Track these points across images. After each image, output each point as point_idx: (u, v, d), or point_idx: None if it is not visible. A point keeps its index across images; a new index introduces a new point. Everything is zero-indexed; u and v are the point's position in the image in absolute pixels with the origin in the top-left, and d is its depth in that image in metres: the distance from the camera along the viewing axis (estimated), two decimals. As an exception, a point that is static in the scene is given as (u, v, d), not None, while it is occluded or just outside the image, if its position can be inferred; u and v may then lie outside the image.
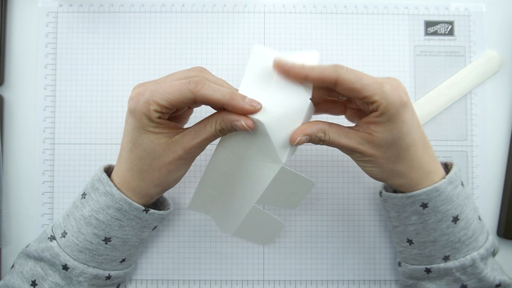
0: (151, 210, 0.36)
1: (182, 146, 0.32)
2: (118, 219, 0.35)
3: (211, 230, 0.44)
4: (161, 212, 0.37)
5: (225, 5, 0.45)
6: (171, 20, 0.45)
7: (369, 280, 0.44)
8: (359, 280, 0.44)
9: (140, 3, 0.45)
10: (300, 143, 0.32)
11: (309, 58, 0.33)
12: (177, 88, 0.31)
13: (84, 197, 0.35)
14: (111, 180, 0.35)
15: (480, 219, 0.36)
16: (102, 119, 0.44)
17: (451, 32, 0.45)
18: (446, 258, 0.35)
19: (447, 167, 0.37)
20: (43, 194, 0.44)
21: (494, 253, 0.36)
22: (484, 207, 0.44)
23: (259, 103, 0.31)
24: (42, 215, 0.44)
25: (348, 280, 0.44)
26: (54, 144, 0.44)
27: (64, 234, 0.35)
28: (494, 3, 0.45)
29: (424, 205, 0.34)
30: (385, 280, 0.44)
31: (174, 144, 0.32)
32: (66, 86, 0.44)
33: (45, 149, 0.44)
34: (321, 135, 0.32)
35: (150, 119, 0.31)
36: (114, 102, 0.44)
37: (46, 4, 0.45)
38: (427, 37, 0.45)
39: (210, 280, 0.44)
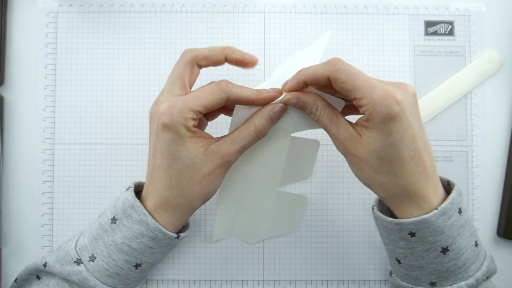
0: (181, 235, 0.36)
1: (220, 155, 0.33)
2: (151, 247, 0.34)
3: (211, 230, 0.44)
4: (186, 233, 0.37)
5: (225, 5, 0.45)
6: (171, 20, 0.45)
7: (369, 280, 0.44)
8: (359, 280, 0.44)
9: (140, 3, 0.45)
10: (288, 102, 0.33)
11: (321, 42, 0.36)
12: (209, 92, 0.32)
13: (115, 222, 0.35)
14: (144, 204, 0.34)
15: (477, 245, 0.34)
16: (102, 119, 0.44)
17: (451, 32, 0.45)
18: (432, 284, 0.34)
19: (449, 185, 0.35)
20: (43, 194, 0.44)
21: (489, 277, 0.35)
22: (484, 207, 0.44)
23: (278, 89, 0.34)
24: (42, 215, 0.44)
25: (348, 280, 0.44)
26: (54, 144, 0.44)
27: (92, 259, 0.34)
28: (494, 3, 0.45)
29: (412, 234, 0.32)
30: (385, 280, 0.44)
31: (211, 154, 0.33)
32: (66, 86, 0.44)
33: (45, 149, 0.44)
34: (313, 107, 0.33)
35: (187, 128, 0.32)
36: (114, 102, 0.44)
37: (46, 4, 0.45)
38: (427, 37, 0.45)
39: (210, 280, 0.44)
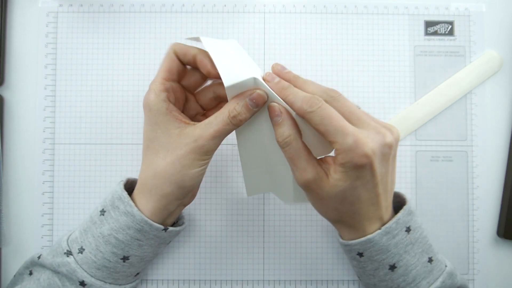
0: (170, 228, 0.36)
1: (194, 138, 0.32)
2: (138, 239, 0.34)
3: (211, 230, 0.44)
4: (177, 228, 0.37)
5: (225, 5, 0.45)
6: (171, 20, 0.45)
7: (369, 280, 0.44)
8: (359, 280, 0.44)
9: (140, 3, 0.45)
10: (271, 107, 0.32)
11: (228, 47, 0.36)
12: (162, 60, 0.35)
13: (103, 214, 0.35)
14: (132, 196, 0.35)
15: (431, 260, 0.35)
16: (102, 119, 0.44)
17: (451, 32, 0.45)
18: None
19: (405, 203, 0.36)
20: (43, 194, 0.44)
21: None
22: (484, 207, 0.44)
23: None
24: (42, 215, 0.44)
25: (348, 280, 0.44)
26: (54, 144, 0.44)
27: (81, 250, 0.34)
28: (494, 3, 0.45)
29: (360, 254, 0.34)
30: (385, 280, 0.44)
31: (186, 137, 0.32)
32: (66, 86, 0.44)
33: (45, 149, 0.44)
34: (285, 131, 0.31)
35: (159, 102, 0.33)
36: (114, 102, 0.44)
37: (46, 4, 0.45)
38: (427, 37, 0.45)
39: (210, 280, 0.44)
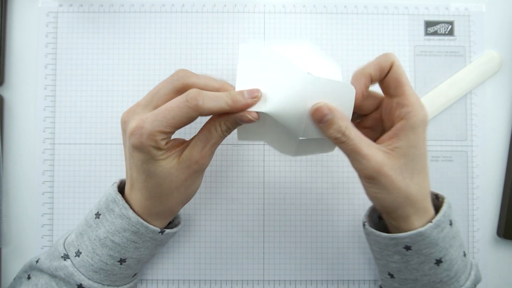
0: (166, 231, 0.36)
1: (194, 159, 0.32)
2: (134, 242, 0.34)
3: (211, 230, 0.44)
4: (174, 230, 0.37)
5: (225, 5, 0.45)
6: (171, 20, 0.45)
7: (369, 280, 0.44)
8: (359, 280, 0.44)
9: (140, 3, 0.45)
10: (317, 112, 0.30)
11: (303, 48, 0.34)
12: (177, 110, 0.30)
13: (98, 217, 0.35)
14: (127, 201, 0.35)
15: (465, 255, 0.35)
16: (102, 119, 0.44)
17: (451, 32, 0.45)
18: None
19: (437, 199, 0.36)
20: (43, 194, 0.44)
21: (476, 285, 0.35)
22: (484, 207, 0.44)
23: (257, 90, 0.31)
24: (42, 215, 0.44)
25: (348, 280, 0.44)
26: (54, 144, 0.44)
27: (78, 254, 0.35)
28: (494, 3, 0.45)
29: (408, 248, 0.33)
30: (385, 280, 0.44)
31: (185, 161, 0.32)
32: (66, 86, 0.44)
33: (45, 149, 0.44)
34: (341, 125, 0.30)
35: (159, 148, 0.31)
36: (114, 102, 0.44)
37: (46, 4, 0.45)
38: (427, 37, 0.45)
39: (210, 280, 0.44)
